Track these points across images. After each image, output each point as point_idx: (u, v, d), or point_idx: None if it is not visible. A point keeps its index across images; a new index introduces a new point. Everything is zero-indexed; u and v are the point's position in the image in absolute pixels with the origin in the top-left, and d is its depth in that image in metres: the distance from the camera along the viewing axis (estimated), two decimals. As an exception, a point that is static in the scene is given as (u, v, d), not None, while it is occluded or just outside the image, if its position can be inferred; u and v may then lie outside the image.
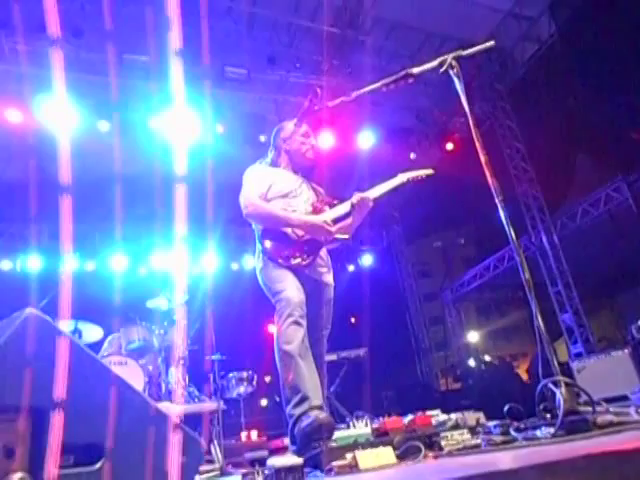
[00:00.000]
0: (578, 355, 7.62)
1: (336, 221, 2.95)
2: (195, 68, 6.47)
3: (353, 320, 12.29)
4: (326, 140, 7.47)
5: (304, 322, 2.57)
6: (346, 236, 2.96)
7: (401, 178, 3.09)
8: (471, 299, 14.40)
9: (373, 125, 8.01)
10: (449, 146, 8.63)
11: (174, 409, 4.51)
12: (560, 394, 1.63)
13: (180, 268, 6.54)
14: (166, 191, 7.25)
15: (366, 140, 8.08)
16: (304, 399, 2.40)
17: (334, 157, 7.74)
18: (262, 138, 7.04)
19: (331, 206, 3.00)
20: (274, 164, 3.14)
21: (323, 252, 2.95)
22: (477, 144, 2.27)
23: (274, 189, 2.93)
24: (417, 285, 12.19)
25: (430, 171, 3.22)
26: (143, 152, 7.20)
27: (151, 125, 6.80)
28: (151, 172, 7.49)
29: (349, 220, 2.97)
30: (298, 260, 2.71)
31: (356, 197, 2.90)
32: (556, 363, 1.75)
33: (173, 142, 6.63)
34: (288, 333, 2.50)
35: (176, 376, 5.25)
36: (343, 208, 2.94)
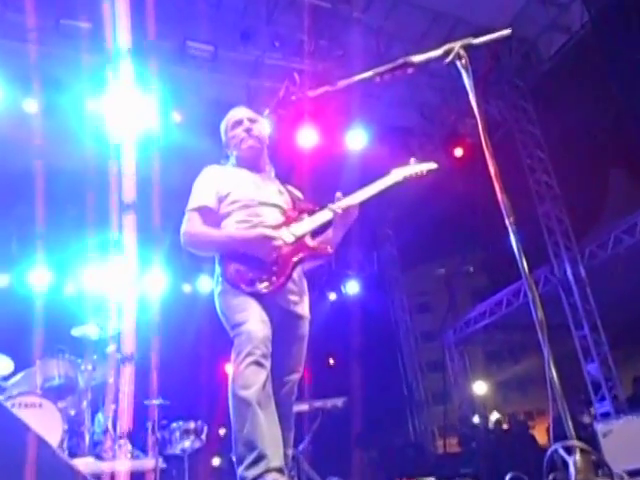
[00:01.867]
0: (605, 415, 7.69)
1: (316, 233, 2.97)
2: (148, 41, 6.50)
3: (331, 361, 12.21)
4: (307, 138, 7.54)
5: (267, 363, 2.55)
6: (328, 251, 2.97)
7: (395, 176, 3.11)
8: (479, 341, 14.45)
9: (365, 122, 8.12)
10: (458, 152, 8.76)
11: (99, 467, 4.43)
12: (573, 463, 1.64)
13: (120, 287, 6.47)
14: (102, 189, 7.24)
15: (356, 139, 8.18)
16: (260, 458, 2.37)
17: (317, 158, 7.80)
18: (229, 130, 7.09)
19: (311, 214, 3.02)
20: (237, 164, 3.16)
21: (297, 274, 2.93)
22: (486, 152, 2.32)
23: (232, 198, 2.94)
24: (413, 321, 12.24)
25: (433, 165, 3.24)
26: (76, 141, 7.17)
27: (88, 108, 6.79)
28: (85, 166, 7.48)
29: (331, 231, 2.98)
30: (265, 284, 2.71)
31: (337, 204, 2.93)
32: (571, 423, 1.77)
33: (115, 132, 6.62)
34: (246, 375, 2.48)
35: (105, 424, 5.18)
36: (323, 216, 2.96)
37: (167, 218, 7.81)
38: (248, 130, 3.10)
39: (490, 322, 10.75)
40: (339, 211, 2.92)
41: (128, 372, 5.43)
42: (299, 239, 2.88)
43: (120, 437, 5.02)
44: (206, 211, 2.89)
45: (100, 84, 6.66)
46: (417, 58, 2.38)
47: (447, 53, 2.31)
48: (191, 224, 2.87)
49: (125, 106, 6.56)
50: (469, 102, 2.34)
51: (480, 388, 19.04)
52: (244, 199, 2.94)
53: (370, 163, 8.36)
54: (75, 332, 5.63)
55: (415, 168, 3.19)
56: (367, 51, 7.38)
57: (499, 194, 2.24)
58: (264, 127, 3.27)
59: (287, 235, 2.85)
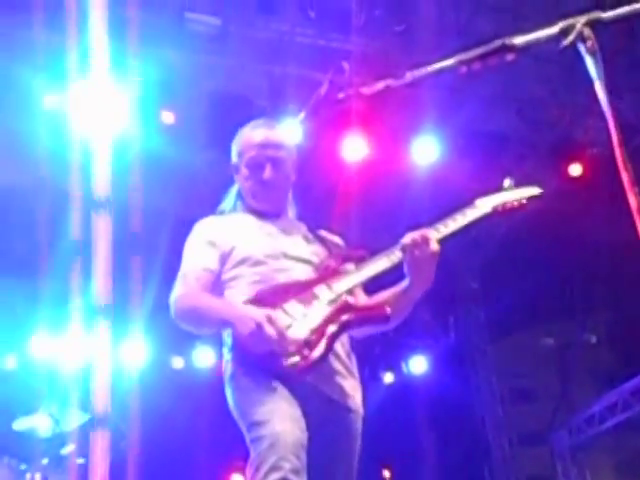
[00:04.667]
0: None
1: (370, 290, 2.97)
2: (131, 12, 6.67)
3: (387, 474, 12.00)
4: (355, 150, 7.61)
5: (301, 480, 2.54)
6: (385, 312, 2.94)
7: (481, 208, 3.09)
8: (605, 448, 14.14)
9: (438, 126, 8.15)
10: (574, 169, 8.74)
11: None
12: None
13: (82, 362, 6.52)
14: (61, 217, 7.36)
15: (425, 151, 8.21)
16: None
17: (367, 179, 7.82)
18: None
19: (359, 262, 3.01)
20: (246, 209, 3.24)
21: (343, 348, 2.94)
22: (622, 170, 2.29)
23: (238, 255, 2.99)
24: (508, 416, 12.05)
25: (536, 190, 3.20)
26: (28, 149, 7.32)
27: (46, 104, 6.96)
28: (38, 184, 7.61)
29: (401, 286, 2.94)
30: (294, 359, 2.71)
31: (409, 236, 2.89)
32: None
33: (81, 140, 6.74)
34: (270, 500, 2.48)
35: None
36: (382, 263, 2.95)
37: (150, 262, 7.90)
38: (267, 182, 3.12)
39: (624, 420, 10.55)
40: (409, 245, 2.83)
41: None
42: (341, 297, 2.86)
43: None
44: (206, 274, 2.96)
45: (61, 74, 6.81)
46: (520, 39, 2.37)
47: (565, 32, 2.30)
48: (186, 288, 2.92)
49: (96, 105, 6.68)
50: (590, 97, 2.34)
51: (608, 518, 18.50)
52: (256, 255, 2.98)
53: (443, 184, 8.38)
54: (18, 425, 5.66)
55: (510, 196, 3.16)
56: (440, 26, 7.44)
57: (640, 233, 2.21)
58: (292, 157, 3.29)
59: (324, 293, 2.85)
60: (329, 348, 2.78)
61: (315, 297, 2.84)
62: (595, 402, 11.22)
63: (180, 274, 2.98)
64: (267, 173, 3.10)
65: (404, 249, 2.84)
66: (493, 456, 11.60)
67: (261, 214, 3.18)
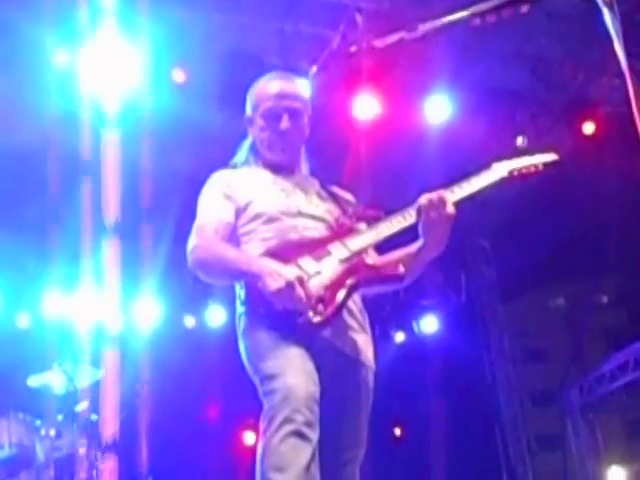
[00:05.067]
0: None
1: (381, 249, 2.97)
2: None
3: (399, 432, 12.09)
4: (367, 108, 7.53)
5: (314, 434, 2.54)
6: (399, 271, 2.95)
7: (498, 171, 3.07)
8: (616, 407, 14.25)
9: (451, 84, 8.06)
10: (588, 128, 8.65)
11: None
12: None
13: (95, 318, 6.56)
14: (71, 179, 7.36)
15: (438, 109, 8.14)
16: None
17: (379, 138, 7.79)
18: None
19: (372, 221, 3.01)
20: (255, 160, 3.23)
21: (356, 305, 2.96)
22: (639, 127, 2.28)
23: (253, 210, 2.99)
24: (519, 375, 12.10)
25: (553, 156, 3.18)
26: (37, 107, 7.30)
27: (56, 61, 6.92)
28: (47, 145, 7.61)
29: (415, 246, 2.95)
30: (310, 315, 2.72)
31: (426, 197, 2.88)
32: None
33: (91, 92, 6.72)
34: (282, 452, 2.47)
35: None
36: (397, 224, 2.94)
37: (163, 222, 7.93)
38: (285, 132, 3.10)
39: (634, 379, 10.60)
40: (425, 206, 2.83)
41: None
42: (356, 255, 2.88)
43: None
44: (223, 226, 2.95)
45: (72, 32, 6.77)
46: (536, -10, 2.36)
47: (581, -17, 2.29)
48: (204, 237, 2.92)
49: (106, 64, 6.65)
50: (604, 56, 2.31)
51: (617, 476, 18.62)
52: (270, 211, 2.98)
53: (457, 143, 8.34)
54: (32, 382, 5.72)
55: (527, 161, 3.14)
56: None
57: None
58: (307, 110, 3.26)
59: (339, 250, 2.86)
60: (343, 305, 2.80)
61: (329, 254, 2.84)
62: (605, 361, 11.25)
63: (196, 225, 2.97)
64: (284, 123, 3.09)
65: (420, 210, 2.84)
66: (504, 415, 11.66)
67: (276, 168, 3.16)
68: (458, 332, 11.74)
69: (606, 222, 11.05)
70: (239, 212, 3.01)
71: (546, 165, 3.15)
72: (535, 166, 3.13)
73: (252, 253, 2.89)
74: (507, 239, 11.75)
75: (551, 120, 9.00)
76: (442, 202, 2.82)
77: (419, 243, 2.92)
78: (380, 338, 11.06)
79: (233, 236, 2.98)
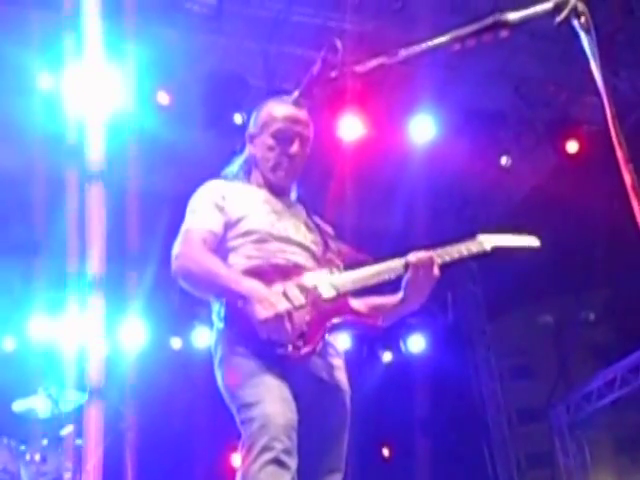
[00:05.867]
0: None
1: (365, 292, 3.01)
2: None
3: (387, 453, 12.04)
4: (351, 130, 7.59)
5: (292, 461, 2.56)
6: (379, 323, 3.04)
7: (483, 245, 3.19)
8: (605, 424, 14.21)
9: (435, 105, 8.11)
10: (571, 146, 8.67)
11: None
12: None
13: (80, 342, 6.55)
14: (56, 202, 7.35)
15: (422, 130, 8.17)
16: None
17: (364, 158, 7.81)
18: (238, 118, 7.07)
19: (359, 266, 3.03)
20: (246, 177, 3.23)
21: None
22: (617, 146, 2.29)
23: (244, 227, 3.00)
24: (506, 393, 12.08)
25: (535, 242, 3.35)
26: (21, 131, 7.29)
27: (40, 85, 6.91)
28: (32, 168, 7.59)
29: (395, 298, 3.01)
30: (289, 349, 2.74)
31: (416, 255, 2.93)
32: None
33: (76, 115, 6.73)
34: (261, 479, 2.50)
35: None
36: (384, 274, 2.96)
37: (148, 242, 7.90)
38: (294, 156, 3.13)
39: (622, 396, 10.54)
40: (415, 263, 2.90)
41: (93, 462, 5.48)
42: (342, 296, 2.91)
43: None
44: (212, 237, 2.94)
45: (56, 55, 6.78)
46: (514, 15, 2.37)
47: (559, 7, 2.30)
48: (191, 245, 2.90)
49: (91, 85, 6.66)
50: (587, 75, 2.34)
51: (607, 494, 18.62)
52: (261, 231, 2.99)
53: (440, 163, 8.35)
54: (17, 407, 5.68)
55: (510, 241, 3.28)
56: (437, 4, 7.40)
57: (636, 209, 2.21)
58: (311, 140, 3.30)
59: (326, 288, 2.87)
60: (320, 342, 2.83)
61: (315, 289, 2.85)
62: (593, 379, 11.21)
63: (185, 229, 2.96)
64: (295, 148, 3.12)
65: (408, 266, 2.91)
66: (492, 433, 11.62)
67: (273, 189, 3.18)
68: (445, 351, 11.71)
69: (592, 239, 11.10)
70: (229, 226, 3.00)
71: (527, 249, 3.34)
72: (517, 247, 3.30)
73: (235, 265, 2.90)
74: (493, 257, 11.74)
75: (535, 139, 9.01)
76: (430, 263, 2.91)
77: (400, 296, 2.99)
78: (368, 358, 11.05)
79: (220, 248, 2.96)
